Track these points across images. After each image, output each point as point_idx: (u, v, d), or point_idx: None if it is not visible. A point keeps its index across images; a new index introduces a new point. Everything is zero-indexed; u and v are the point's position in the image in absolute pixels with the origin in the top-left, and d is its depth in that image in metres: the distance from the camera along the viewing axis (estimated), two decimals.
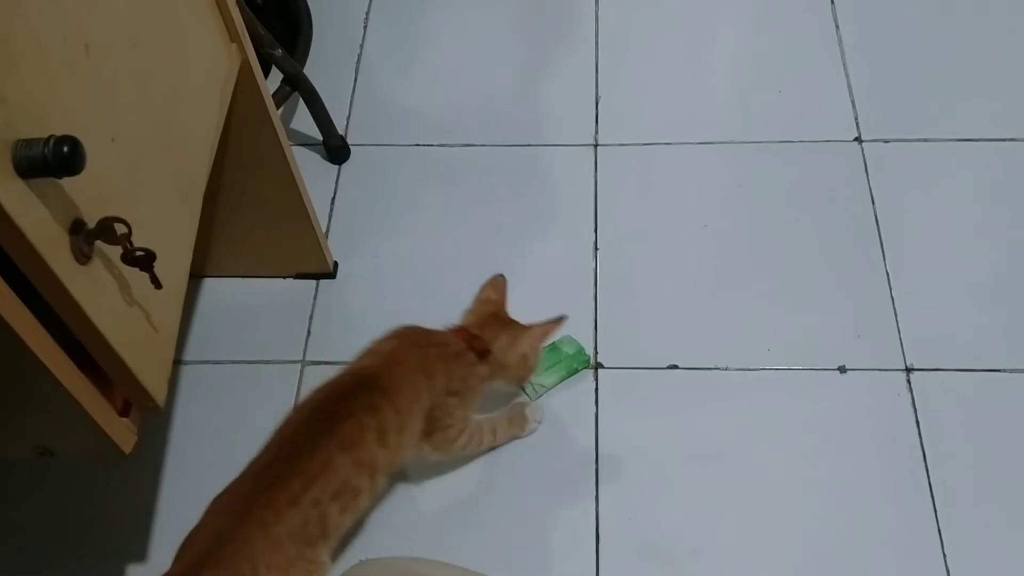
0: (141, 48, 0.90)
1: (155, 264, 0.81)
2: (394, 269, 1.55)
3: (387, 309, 1.49)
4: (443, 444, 1.24)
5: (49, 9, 0.73)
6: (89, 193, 0.77)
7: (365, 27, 1.85)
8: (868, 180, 1.59)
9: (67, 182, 0.73)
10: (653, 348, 1.44)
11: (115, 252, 0.79)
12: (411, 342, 1.22)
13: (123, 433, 0.88)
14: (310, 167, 1.64)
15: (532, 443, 1.36)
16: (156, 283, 0.82)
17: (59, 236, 0.73)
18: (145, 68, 0.90)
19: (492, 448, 1.34)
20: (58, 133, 0.68)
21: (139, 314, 0.86)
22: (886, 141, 1.63)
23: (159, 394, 0.90)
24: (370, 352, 1.21)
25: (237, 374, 1.45)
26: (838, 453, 1.34)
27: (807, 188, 1.59)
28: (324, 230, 1.57)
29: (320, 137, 1.65)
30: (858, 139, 1.64)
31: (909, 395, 1.38)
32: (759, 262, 1.52)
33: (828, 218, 1.56)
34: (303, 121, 1.68)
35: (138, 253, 0.78)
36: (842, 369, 1.41)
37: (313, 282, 1.54)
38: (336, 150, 1.66)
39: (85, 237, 0.75)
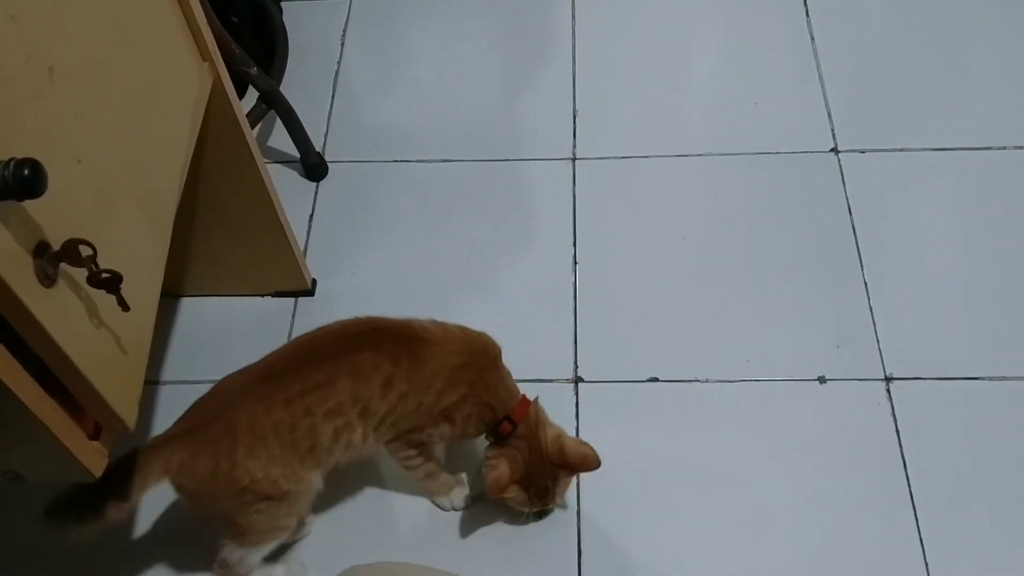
0: (108, 70, 0.89)
1: (122, 286, 0.80)
2: (373, 285, 1.54)
3: None
4: (398, 448, 1.22)
5: (10, 31, 0.73)
6: (54, 216, 0.76)
7: (342, 44, 1.86)
8: (845, 190, 1.59)
9: (30, 205, 0.72)
10: (633, 361, 1.44)
11: (81, 275, 0.79)
12: (473, 349, 1.19)
13: (93, 456, 0.87)
14: (288, 184, 1.63)
15: None
16: (123, 305, 0.81)
17: (23, 259, 0.72)
18: (112, 90, 0.90)
19: (420, 485, 1.31)
20: (20, 156, 0.67)
21: (107, 337, 0.85)
22: (862, 151, 1.64)
23: (129, 417, 0.89)
24: (444, 328, 1.19)
25: None
26: (818, 463, 1.34)
27: (784, 199, 1.60)
28: (302, 247, 1.57)
29: (297, 154, 1.65)
30: (835, 150, 1.65)
31: (889, 404, 1.38)
32: (738, 274, 1.52)
33: (806, 229, 1.56)
34: (281, 138, 1.68)
35: (104, 275, 0.78)
36: (822, 379, 1.41)
37: (292, 300, 1.53)
38: (314, 167, 1.65)
39: (49, 259, 0.75)
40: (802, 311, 1.48)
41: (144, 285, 0.94)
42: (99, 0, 0.89)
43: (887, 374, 1.41)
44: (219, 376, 1.43)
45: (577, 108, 1.73)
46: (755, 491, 1.32)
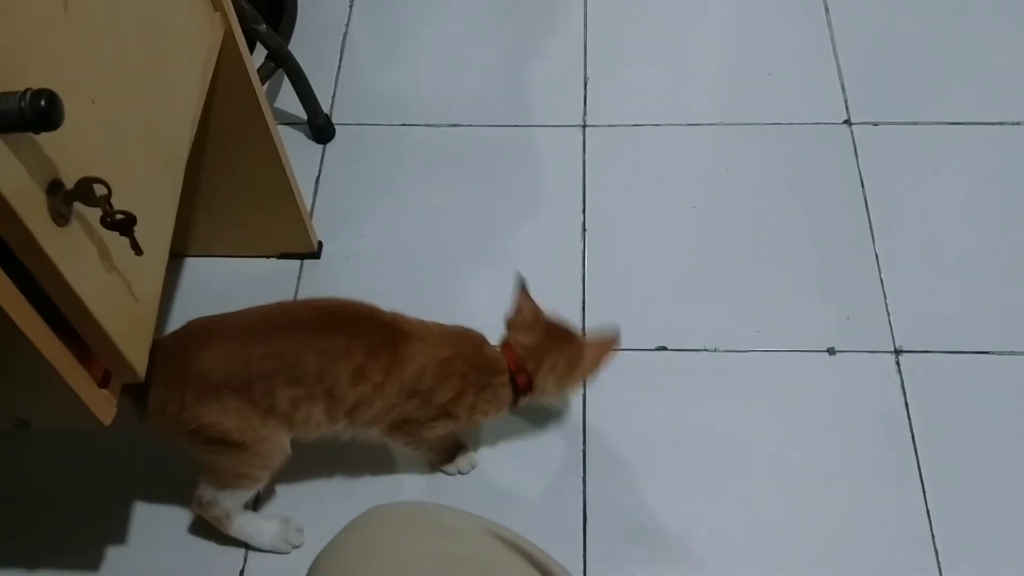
0: (122, 9, 0.87)
1: (135, 230, 0.78)
2: (379, 249, 1.53)
3: (372, 289, 1.45)
4: (397, 439, 1.22)
5: None
6: (67, 154, 0.74)
7: (351, 6, 1.83)
8: (857, 162, 1.58)
9: (44, 141, 0.70)
10: (641, 330, 1.42)
11: (95, 216, 0.77)
12: (455, 340, 1.18)
13: (102, 404, 0.86)
14: (295, 146, 1.61)
15: (520, 424, 1.35)
16: (136, 248, 0.80)
17: (36, 195, 0.71)
18: (126, 30, 0.88)
19: (423, 458, 1.31)
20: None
21: (119, 282, 0.84)
22: (875, 124, 1.63)
23: (139, 365, 0.88)
24: (424, 324, 1.18)
25: None
26: (827, 435, 1.33)
27: (796, 170, 1.58)
28: (308, 209, 1.55)
29: (305, 116, 1.63)
30: (847, 122, 1.63)
31: (898, 377, 1.37)
32: (748, 244, 1.51)
33: (817, 200, 1.55)
34: (287, 100, 1.66)
35: (118, 216, 0.76)
36: (831, 351, 1.40)
37: (297, 262, 1.52)
38: (321, 129, 1.63)
39: (63, 198, 0.73)
40: (812, 282, 1.47)
41: (156, 233, 0.92)
42: None
43: (897, 346, 1.40)
44: None
45: (588, 74, 1.71)
46: (762, 461, 1.32)
